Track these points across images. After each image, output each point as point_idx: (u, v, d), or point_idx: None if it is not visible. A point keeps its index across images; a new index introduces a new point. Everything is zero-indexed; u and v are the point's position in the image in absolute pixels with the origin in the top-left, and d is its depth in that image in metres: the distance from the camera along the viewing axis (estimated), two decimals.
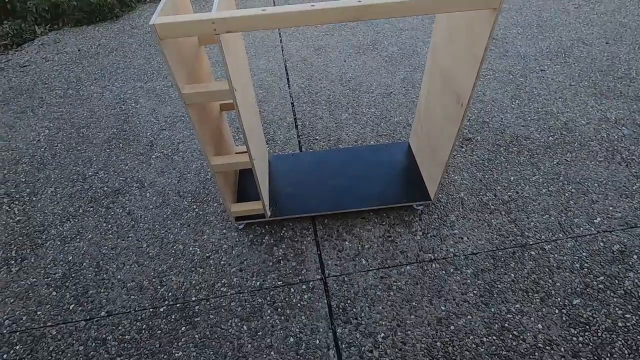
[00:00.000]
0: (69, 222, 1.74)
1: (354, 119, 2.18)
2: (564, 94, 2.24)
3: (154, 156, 2.03)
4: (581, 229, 1.57)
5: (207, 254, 1.59)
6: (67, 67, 2.75)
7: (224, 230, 1.67)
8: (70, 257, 1.61)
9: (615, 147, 1.90)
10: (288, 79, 2.50)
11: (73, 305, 1.45)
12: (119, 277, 1.53)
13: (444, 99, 1.37)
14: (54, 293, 1.49)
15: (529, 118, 2.10)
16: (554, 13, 2.99)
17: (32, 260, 1.61)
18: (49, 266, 1.58)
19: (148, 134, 2.16)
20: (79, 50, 2.94)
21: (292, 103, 2.32)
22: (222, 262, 1.55)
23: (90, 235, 1.68)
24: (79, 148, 2.10)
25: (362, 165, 1.79)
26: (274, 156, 1.88)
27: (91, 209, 1.79)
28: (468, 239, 1.57)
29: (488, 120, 2.10)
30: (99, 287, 1.50)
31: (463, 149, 1.95)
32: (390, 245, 1.57)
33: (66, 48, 2.98)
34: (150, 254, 1.60)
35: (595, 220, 1.60)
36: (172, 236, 1.66)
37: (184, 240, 1.64)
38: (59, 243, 1.66)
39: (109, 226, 1.71)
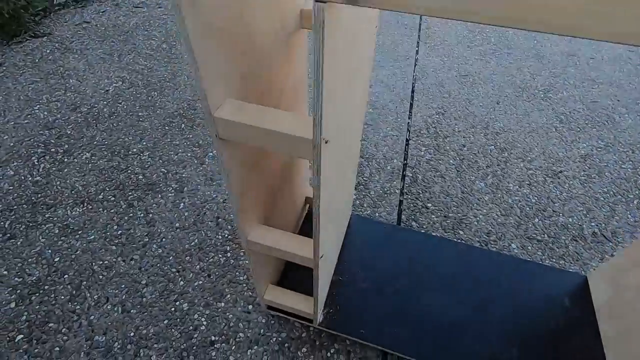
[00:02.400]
0: (81, 206, 1.36)
1: (492, 194, 1.44)
2: None
3: (210, 154, 1.56)
4: None
5: (213, 337, 1.04)
6: (174, 18, 2.47)
7: (250, 307, 1.11)
8: (57, 259, 1.21)
9: None
10: (412, 105, 1.83)
11: (20, 339, 1.03)
12: (91, 318, 1.08)
13: None
14: (12, 306, 1.10)
15: None
16: None
17: (18, 244, 1.24)
18: (29, 260, 1.20)
19: None
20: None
21: (407, 140, 1.65)
22: None
23: (93, 236, 1.27)
24: (140, 114, 1.74)
25: (497, 291, 1.07)
26: (356, 217, 1.26)
27: (112, 198, 1.39)
28: None
29: None
30: (62, 324, 1.06)
31: None
32: None
33: None
34: (145, 299, 1.12)
35: None
36: (182, 283, 1.16)
37: (194, 297, 1.12)
38: (57, 231, 1.28)
39: (119, 232, 1.28)
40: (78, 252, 1.23)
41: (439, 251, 1.17)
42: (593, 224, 1.35)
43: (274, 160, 0.80)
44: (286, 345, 1.03)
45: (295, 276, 1.09)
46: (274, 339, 1.04)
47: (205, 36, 0.43)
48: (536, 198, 1.43)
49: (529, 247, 1.27)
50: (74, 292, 1.13)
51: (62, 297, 1.12)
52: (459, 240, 1.28)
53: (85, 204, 1.36)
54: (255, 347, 1.02)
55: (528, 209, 1.39)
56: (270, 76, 0.66)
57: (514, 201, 1.42)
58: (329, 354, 1.01)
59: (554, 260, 1.24)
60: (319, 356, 1.01)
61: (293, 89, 0.80)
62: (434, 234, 1.29)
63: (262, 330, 1.06)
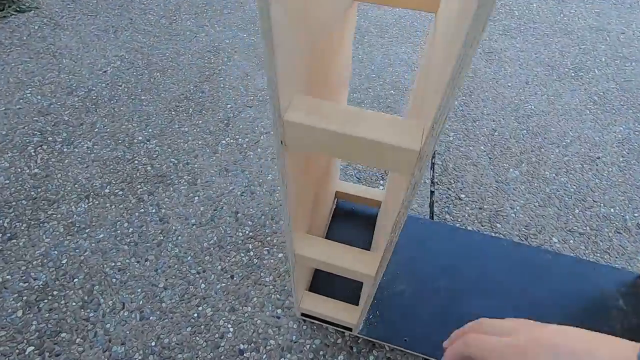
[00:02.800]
0: (86, 202, 1.24)
1: (528, 183, 1.35)
2: None
3: (224, 142, 1.44)
4: None
5: (242, 346, 0.97)
6: None
7: (278, 311, 1.03)
8: (65, 260, 1.11)
9: None
10: None
11: (31, 351, 0.95)
12: (107, 326, 0.99)
13: None
14: (20, 314, 1.01)
15: None
16: None
17: (21, 244, 1.14)
18: (34, 262, 1.10)
19: (228, 106, 1.57)
20: None
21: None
22: None
23: (102, 235, 1.17)
24: (143, 97, 1.60)
25: (545, 292, 0.99)
26: None
27: (120, 192, 1.27)
28: None
29: None
30: (75, 333, 0.97)
31: None
32: None
33: None
34: (164, 304, 1.03)
35: None
36: (203, 285, 1.07)
37: (217, 302, 1.04)
38: (61, 230, 1.17)
39: (130, 230, 1.18)
40: (87, 252, 1.13)
41: (478, 248, 1.08)
42: (636, 214, 1.27)
43: (319, 162, 0.69)
44: (321, 352, 0.96)
45: (326, 279, 1.00)
46: (308, 346, 0.97)
47: (283, 19, 0.32)
48: (575, 187, 1.34)
49: (571, 241, 1.20)
50: (86, 297, 1.04)
51: (74, 304, 1.03)
52: (497, 234, 1.20)
53: (91, 199, 1.25)
54: (288, 355, 0.95)
55: (567, 198, 1.31)
56: (328, 61, 0.54)
57: (551, 190, 1.33)
58: (367, 359, 0.95)
59: (598, 255, 1.17)
60: None
61: (339, 74, 0.68)
62: (469, 228, 1.21)
63: (294, 337, 0.98)
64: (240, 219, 1.22)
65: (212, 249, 1.15)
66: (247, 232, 1.19)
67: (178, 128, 1.48)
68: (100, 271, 1.09)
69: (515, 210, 1.27)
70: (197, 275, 1.09)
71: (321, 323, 0.97)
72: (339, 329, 0.97)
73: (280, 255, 1.14)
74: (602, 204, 1.30)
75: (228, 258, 1.13)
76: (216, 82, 1.67)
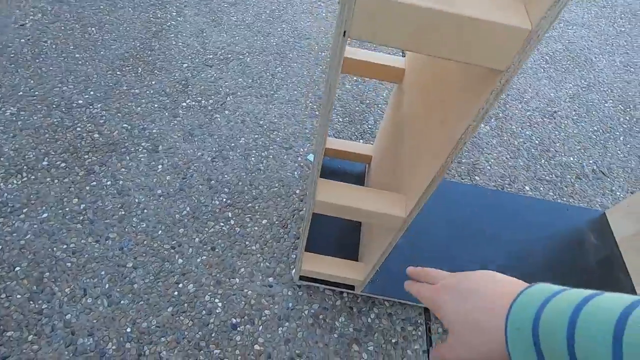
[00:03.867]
0: (18, 177, 1.03)
1: (498, 137, 1.39)
2: None
3: (184, 104, 1.27)
4: None
5: (234, 320, 0.88)
6: None
7: (270, 279, 0.95)
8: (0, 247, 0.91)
9: None
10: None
11: None
12: (67, 317, 0.83)
13: None
14: None
15: None
16: None
17: None
18: None
19: (184, 65, 1.39)
20: None
21: None
22: (256, 345, 0.85)
23: (45, 215, 0.97)
24: (77, 56, 1.35)
25: (527, 233, 1.03)
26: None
27: (63, 164, 1.07)
28: None
29: None
30: (25, 330, 0.80)
31: None
32: None
33: None
34: (136, 285, 0.89)
35: None
36: (181, 261, 0.95)
37: (199, 276, 0.93)
38: None
39: (82, 207, 1.00)
40: (28, 236, 0.93)
41: (465, 198, 1.09)
42: (591, 161, 1.38)
43: None
44: (321, 317, 0.90)
45: (320, 237, 0.94)
46: (306, 311, 0.90)
47: None
48: (539, 139, 1.42)
49: (541, 188, 1.26)
50: (34, 287, 0.86)
51: (19, 296, 0.84)
52: (477, 185, 1.22)
53: (25, 174, 1.03)
54: (287, 323, 0.88)
55: (533, 150, 1.37)
56: None
57: (519, 143, 1.39)
58: (369, 320, 0.91)
59: (564, 199, 1.25)
60: (359, 324, 0.90)
61: None
62: (452, 180, 1.22)
63: (290, 304, 0.91)
64: (215, 187, 1.09)
65: (185, 220, 1.02)
66: (223, 199, 1.07)
67: (127, 90, 1.28)
68: (50, 255, 0.91)
69: (490, 162, 1.31)
70: (172, 251, 0.96)
71: (318, 286, 0.92)
72: (336, 289, 0.92)
73: (265, 221, 1.04)
74: (562, 154, 1.39)
75: (206, 229, 1.01)
76: (166, 39, 1.47)
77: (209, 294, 0.90)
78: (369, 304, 0.94)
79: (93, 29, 1.44)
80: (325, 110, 0.44)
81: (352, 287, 0.88)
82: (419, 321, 0.93)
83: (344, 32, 0.33)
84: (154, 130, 1.19)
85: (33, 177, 1.03)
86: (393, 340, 0.89)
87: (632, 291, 0.96)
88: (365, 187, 0.60)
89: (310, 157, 1.11)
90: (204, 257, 0.96)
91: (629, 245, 1.01)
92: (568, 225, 1.08)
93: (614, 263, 1.01)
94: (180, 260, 0.95)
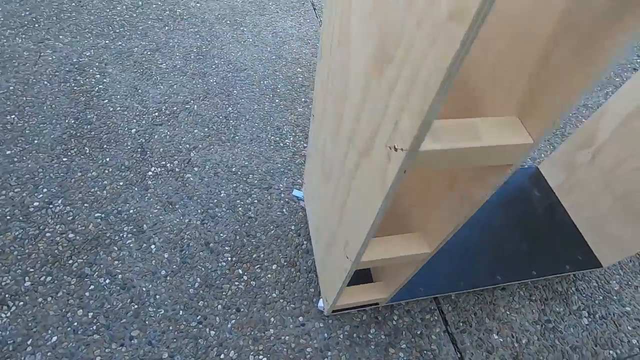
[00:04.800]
0: (5, 308, 0.94)
1: None
2: None
3: (149, 173, 1.24)
4: None
5: None
6: None
7: (300, 319, 1.02)
8: None
9: None
10: None
11: None
12: None
13: None
14: None
15: None
16: None
17: None
18: None
19: (133, 131, 1.33)
20: None
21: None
22: None
23: (54, 339, 0.92)
24: (9, 153, 1.21)
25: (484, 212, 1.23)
26: None
27: (48, 279, 1.00)
28: None
29: None
30: None
31: None
32: (554, 336, 1.08)
33: None
34: None
35: None
36: (213, 333, 0.97)
37: (235, 340, 0.97)
38: None
39: (90, 316, 0.96)
40: None
41: None
42: None
43: None
44: (355, 335, 1.01)
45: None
46: (341, 336, 1.01)
47: None
48: None
49: None
50: None
51: None
52: None
53: (11, 303, 0.95)
54: (329, 352, 0.98)
55: None
56: None
57: None
58: (394, 323, 1.05)
59: None
60: (387, 329, 1.03)
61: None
62: None
63: (325, 335, 1.00)
64: (215, 249, 1.11)
65: (201, 292, 1.04)
66: (229, 259, 1.10)
67: (82, 175, 1.20)
68: None
69: None
70: (200, 326, 0.98)
71: (343, 311, 1.02)
72: (360, 308, 1.04)
73: (274, 266, 1.10)
74: None
75: (223, 293, 1.04)
76: (101, 107, 1.38)
77: (252, 353, 0.96)
78: (389, 309, 1.07)
79: (12, 116, 1.30)
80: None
81: (375, 303, 1.00)
82: (432, 308, 1.09)
83: (405, 170, 0.41)
84: (131, 211, 1.15)
85: (22, 303, 0.96)
86: (418, 332, 1.04)
87: (573, 226, 1.22)
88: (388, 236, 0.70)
89: (296, 192, 1.17)
90: (233, 320, 1.00)
91: (561, 190, 1.27)
92: (514, 182, 1.31)
93: (555, 207, 1.26)
94: (212, 333, 0.98)
